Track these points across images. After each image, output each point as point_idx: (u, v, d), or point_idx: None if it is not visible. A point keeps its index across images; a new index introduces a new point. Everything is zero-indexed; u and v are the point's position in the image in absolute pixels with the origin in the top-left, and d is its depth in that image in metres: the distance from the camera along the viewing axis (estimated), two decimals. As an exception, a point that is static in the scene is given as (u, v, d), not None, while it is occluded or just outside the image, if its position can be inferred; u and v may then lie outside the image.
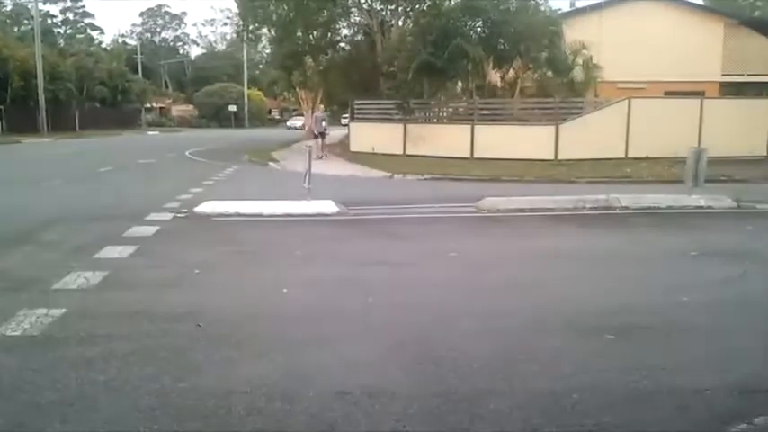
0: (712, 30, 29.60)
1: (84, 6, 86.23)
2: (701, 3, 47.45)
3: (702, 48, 28.44)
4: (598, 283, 6.56)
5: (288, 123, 71.85)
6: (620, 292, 6.13)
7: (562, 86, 24.01)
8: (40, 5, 52.29)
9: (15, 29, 71.01)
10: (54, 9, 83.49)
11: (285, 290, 6.02)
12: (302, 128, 61.80)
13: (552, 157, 21.00)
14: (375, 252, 8.09)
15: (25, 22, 72.77)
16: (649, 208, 11.34)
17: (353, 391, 3.83)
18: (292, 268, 7.02)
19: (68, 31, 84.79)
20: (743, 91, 27.57)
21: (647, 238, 9.08)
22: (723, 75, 29.34)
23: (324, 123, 25.31)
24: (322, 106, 29.35)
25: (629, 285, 6.43)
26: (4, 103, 42.65)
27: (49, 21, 79.78)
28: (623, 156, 20.88)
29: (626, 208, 11.28)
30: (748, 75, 29.26)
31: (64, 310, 5.18)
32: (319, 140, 24.42)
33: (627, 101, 21.76)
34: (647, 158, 19.87)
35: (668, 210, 11.26)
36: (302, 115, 51.70)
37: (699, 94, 24.04)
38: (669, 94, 25.83)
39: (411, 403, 3.71)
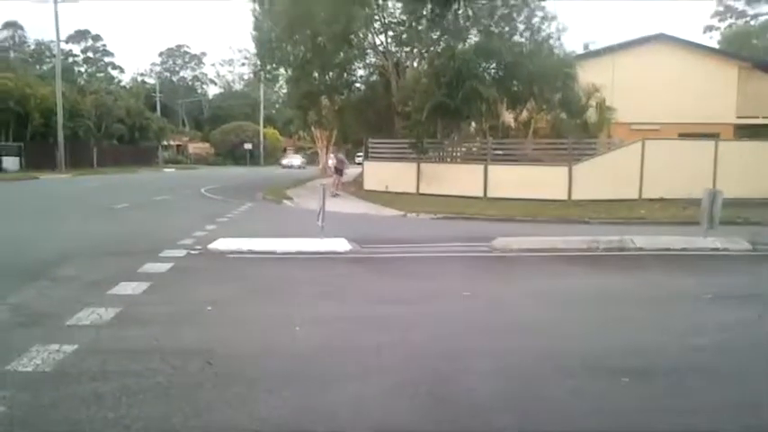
0: (726, 72, 29.72)
1: (105, 45, 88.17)
2: (716, 45, 47.89)
3: (717, 90, 28.53)
4: (612, 324, 6.50)
5: (283, 162, 66.78)
6: (635, 334, 6.07)
7: (576, 127, 24.08)
8: (62, 44, 53.27)
9: (37, 67, 72.49)
10: (76, 48, 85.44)
11: (297, 328, 6.01)
12: (301, 167, 60.78)
13: (566, 198, 20.99)
14: (388, 291, 8.08)
15: (47, 60, 74.33)
16: (664, 249, 11.27)
17: (364, 430, 3.80)
18: (305, 306, 7.01)
19: (89, 70, 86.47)
20: (758, 133, 27.52)
21: (661, 280, 9.01)
22: (738, 117, 29.34)
23: (343, 162, 26.02)
24: (335, 153, 29.89)
25: (643, 327, 6.36)
26: (24, 139, 43.39)
27: (70, 59, 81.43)
28: (637, 197, 20.84)
29: (640, 249, 11.22)
30: (763, 117, 29.25)
31: (76, 346, 5.20)
32: (336, 179, 24.79)
33: (641, 142, 21.79)
34: (661, 200, 19.81)
35: (683, 251, 11.18)
36: (317, 153, 51.21)
37: (713, 136, 24.04)
38: (683, 135, 25.81)
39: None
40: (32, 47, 79.34)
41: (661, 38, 30.47)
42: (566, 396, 4.45)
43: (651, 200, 20.06)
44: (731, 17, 61.99)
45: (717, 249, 11.27)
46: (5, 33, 79.64)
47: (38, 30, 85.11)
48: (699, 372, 5.04)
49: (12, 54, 74.12)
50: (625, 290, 8.31)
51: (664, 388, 4.65)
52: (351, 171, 30.66)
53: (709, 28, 63.53)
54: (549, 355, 5.36)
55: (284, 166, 62.77)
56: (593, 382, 4.75)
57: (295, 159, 66.75)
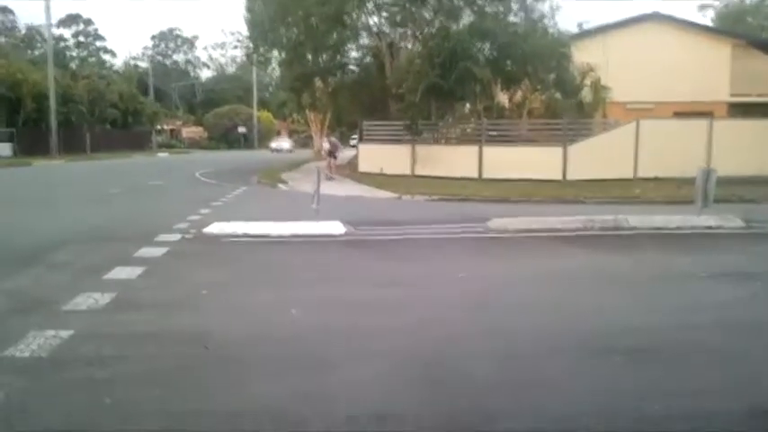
0: (720, 51, 29.66)
1: (96, 30, 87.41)
2: (709, 24, 47.75)
3: (710, 68, 28.48)
4: (607, 304, 6.52)
5: (272, 145, 64.23)
6: (630, 314, 6.08)
7: (570, 107, 24.05)
8: (53, 29, 52.81)
9: (29, 52, 71.91)
10: (66, 33, 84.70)
11: (293, 311, 6.01)
12: (290, 150, 58.32)
13: (561, 178, 21.01)
14: (383, 273, 8.08)
15: (38, 45, 73.74)
16: (658, 228, 11.30)
17: (362, 413, 3.82)
18: (300, 289, 7.02)
19: (81, 54, 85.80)
20: (751, 111, 27.53)
21: (656, 259, 9.04)
22: (731, 95, 29.33)
23: (337, 145, 26.15)
24: (329, 134, 29.83)
25: (639, 306, 6.39)
26: (17, 125, 43.18)
27: (62, 44, 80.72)
28: (632, 176, 20.87)
29: (635, 228, 11.24)
30: (756, 95, 29.25)
31: (72, 332, 5.18)
32: (331, 161, 24.78)
33: (635, 122, 21.79)
34: (655, 179, 19.85)
35: (677, 230, 11.21)
36: (311, 136, 50.65)
37: (707, 115, 24.02)
38: (678, 114, 25.83)
39: (420, 426, 3.69)
40: (23, 32, 78.69)
41: (655, 16, 30.35)
42: (561, 377, 4.46)
43: (646, 179, 20.09)
44: (726, -5, 61.69)
45: (711, 227, 11.30)
46: (-5, 18, 79.03)
47: (28, 14, 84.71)
48: (695, 350, 5.05)
49: (2, 39, 73.52)
50: (620, 269, 8.34)
51: (659, 367, 4.67)
52: (345, 154, 30.62)
53: (704, 6, 63.30)
54: (545, 336, 5.37)
55: (273, 150, 60.74)
56: (588, 363, 4.76)
57: (285, 142, 65.05)
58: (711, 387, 4.34)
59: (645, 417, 3.85)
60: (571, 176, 20.90)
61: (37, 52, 71.44)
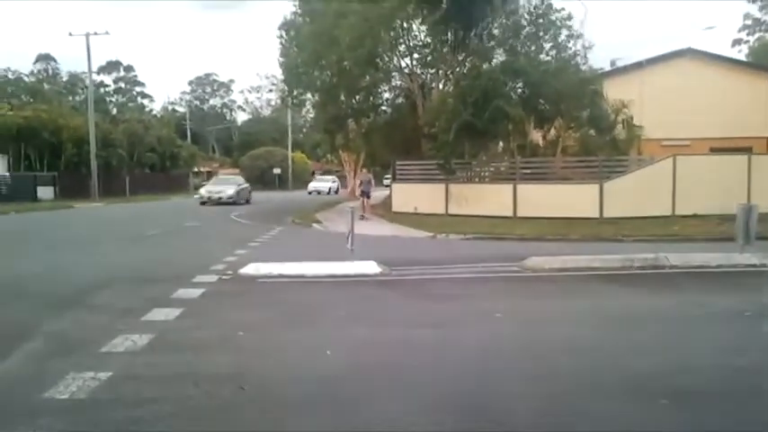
0: (757, 85, 29.37)
1: (135, 76, 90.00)
2: (744, 59, 47.35)
3: (748, 103, 28.16)
4: (649, 344, 6.36)
5: (311, 186, 56.52)
6: (674, 354, 5.93)
7: (605, 145, 23.88)
8: (94, 75, 54.37)
9: (71, 98, 74.19)
10: (107, 79, 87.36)
11: (328, 351, 5.99)
12: (333, 192, 52.95)
13: (597, 216, 20.77)
14: (419, 313, 8.01)
15: (80, 91, 76.05)
16: (699, 267, 11.07)
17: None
18: (335, 330, 6.99)
19: (120, 100, 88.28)
20: (791, 146, 27.10)
21: (698, 298, 8.82)
22: (770, 130, 28.92)
23: (370, 185, 26.08)
24: (364, 170, 29.85)
25: (682, 347, 6.23)
26: (58, 169, 44.32)
27: (102, 90, 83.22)
28: (670, 213, 20.57)
29: (675, 267, 11.02)
30: (796, 130, 28.79)
31: (111, 373, 5.22)
32: (364, 200, 24.85)
33: (672, 158, 21.55)
34: (694, 216, 19.52)
35: (719, 268, 10.96)
36: (345, 176, 50.21)
37: (746, 150, 23.69)
38: (715, 150, 25.51)
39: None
40: (65, 78, 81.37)
41: (689, 52, 30.25)
42: (603, 420, 4.35)
43: (684, 216, 19.77)
44: (760, 30, 61.32)
45: (754, 266, 11.02)
46: (39, 66, 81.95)
47: (70, 61, 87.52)
48: (742, 392, 4.90)
49: (46, 86, 76.00)
50: (661, 309, 8.16)
51: (704, 410, 4.53)
52: (377, 194, 30.68)
53: (738, 41, 62.94)
54: (585, 378, 5.25)
55: (313, 191, 55.22)
56: (631, 405, 4.63)
57: (324, 183, 59.17)
58: (758, 429, 4.18)
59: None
60: (608, 214, 20.66)
61: (78, 98, 73.69)
